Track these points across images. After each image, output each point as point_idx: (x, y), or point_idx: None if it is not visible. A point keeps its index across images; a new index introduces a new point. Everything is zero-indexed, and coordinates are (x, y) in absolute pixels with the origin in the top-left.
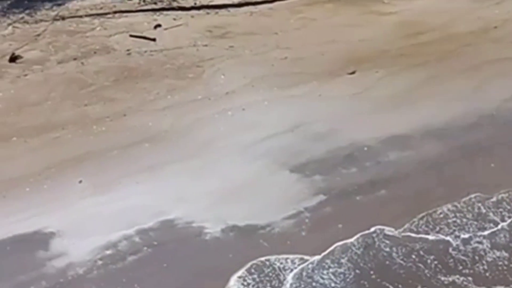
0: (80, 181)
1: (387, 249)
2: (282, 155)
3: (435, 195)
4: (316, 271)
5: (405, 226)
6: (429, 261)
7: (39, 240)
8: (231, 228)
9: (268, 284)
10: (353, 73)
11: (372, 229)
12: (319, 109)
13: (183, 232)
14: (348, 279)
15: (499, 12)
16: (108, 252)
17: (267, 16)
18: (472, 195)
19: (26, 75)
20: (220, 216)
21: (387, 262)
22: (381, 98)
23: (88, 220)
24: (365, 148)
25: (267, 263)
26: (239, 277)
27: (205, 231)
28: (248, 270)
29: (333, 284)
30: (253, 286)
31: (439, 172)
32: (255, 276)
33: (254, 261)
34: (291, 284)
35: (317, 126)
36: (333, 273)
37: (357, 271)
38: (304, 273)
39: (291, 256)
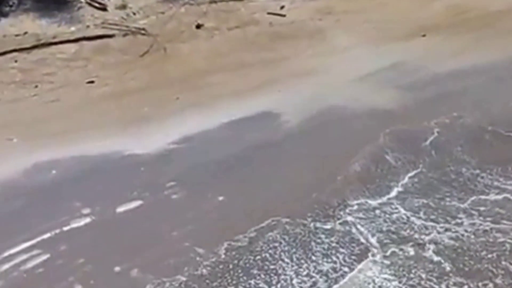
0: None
1: None
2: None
3: None
4: None
5: None
6: None
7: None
8: None
9: None
10: (424, 36)
11: None
12: (405, 57)
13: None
14: None
15: None
16: None
17: (353, 2)
18: None
19: (212, 36)
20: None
21: None
22: (445, 48)
23: None
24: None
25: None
26: None
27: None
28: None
29: None
30: None
31: None
32: None
33: None
34: None
35: (408, 65)
36: None
37: None
38: None
39: None
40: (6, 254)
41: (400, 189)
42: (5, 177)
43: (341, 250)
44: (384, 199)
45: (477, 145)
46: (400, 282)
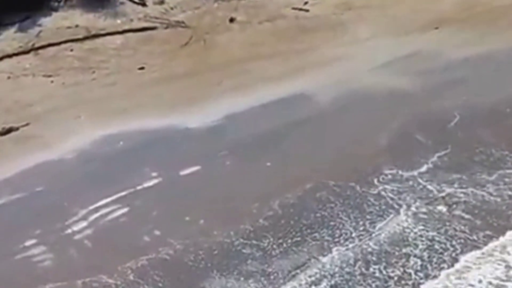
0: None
1: None
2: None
3: None
4: None
5: None
6: None
7: None
8: None
9: None
10: (437, 28)
11: None
12: (421, 47)
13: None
14: None
15: None
16: None
17: None
18: None
19: (245, 29)
20: None
21: None
22: (456, 39)
23: None
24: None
25: None
26: None
27: None
28: None
29: None
30: None
31: None
32: None
33: None
34: None
35: (424, 54)
36: None
37: None
38: None
39: None
40: (92, 207)
41: (430, 166)
42: (79, 147)
43: (381, 208)
44: (415, 172)
45: (501, 127)
46: (438, 233)
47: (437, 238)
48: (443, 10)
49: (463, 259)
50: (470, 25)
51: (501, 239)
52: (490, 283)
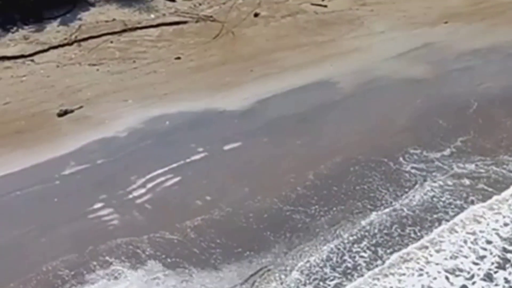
0: (331, 65)
1: None
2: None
3: None
4: None
5: None
6: None
7: None
8: None
9: None
10: (446, 23)
11: None
12: (432, 39)
13: None
14: None
15: None
16: None
17: None
18: None
19: (269, 23)
20: None
21: None
22: (465, 32)
23: None
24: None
25: None
26: None
27: None
28: None
29: None
30: None
31: None
32: None
33: None
34: None
35: (435, 45)
36: None
37: None
38: None
39: None
40: (148, 176)
41: (453, 149)
42: (130, 126)
43: (410, 180)
44: (439, 155)
45: None
46: (464, 202)
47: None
48: (451, 6)
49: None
50: (477, 19)
51: None
52: None
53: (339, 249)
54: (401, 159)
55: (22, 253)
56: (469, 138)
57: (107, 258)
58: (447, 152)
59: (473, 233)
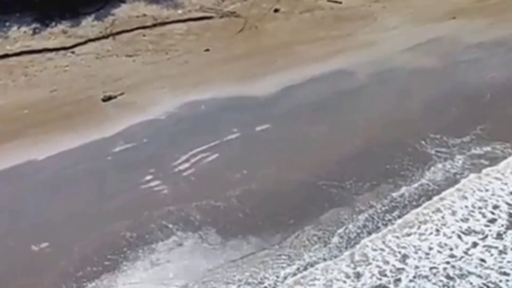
0: (348, 57)
1: None
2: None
3: None
4: None
5: None
6: None
7: None
8: None
9: None
10: (453, 18)
11: None
12: (441, 33)
13: None
14: None
15: None
16: None
17: None
18: None
19: (289, 18)
20: None
21: None
22: (471, 27)
23: None
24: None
25: None
26: None
27: None
28: None
29: None
30: None
31: None
32: None
33: None
34: None
35: (444, 39)
36: None
37: None
38: None
39: None
40: (190, 153)
41: (473, 137)
42: (169, 111)
43: (431, 159)
44: (458, 141)
45: None
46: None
47: None
48: (458, 2)
49: None
50: (483, 15)
51: None
52: None
53: (373, 218)
54: (423, 142)
55: (84, 220)
56: (486, 126)
57: (162, 222)
58: (466, 138)
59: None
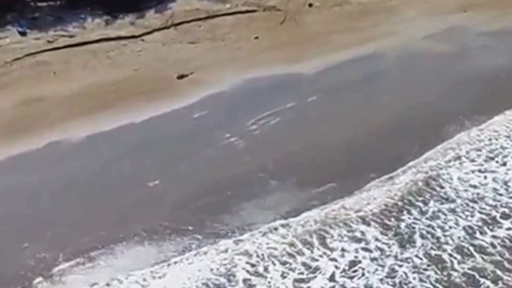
0: (376, 44)
1: None
2: (445, 37)
3: None
4: None
5: None
6: None
7: None
8: None
9: None
10: (465, 11)
11: None
12: (455, 24)
13: None
14: None
15: None
16: None
17: None
18: None
19: (321, 11)
20: None
21: None
22: (482, 19)
23: None
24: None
25: None
26: None
27: None
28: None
29: None
30: None
31: None
32: None
33: None
34: None
35: (457, 29)
36: None
37: None
38: None
39: None
40: (257, 117)
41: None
42: (233, 86)
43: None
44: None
45: None
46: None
47: None
48: None
49: None
50: (492, 8)
51: None
52: None
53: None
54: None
55: (183, 166)
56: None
57: (242, 171)
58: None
59: None
